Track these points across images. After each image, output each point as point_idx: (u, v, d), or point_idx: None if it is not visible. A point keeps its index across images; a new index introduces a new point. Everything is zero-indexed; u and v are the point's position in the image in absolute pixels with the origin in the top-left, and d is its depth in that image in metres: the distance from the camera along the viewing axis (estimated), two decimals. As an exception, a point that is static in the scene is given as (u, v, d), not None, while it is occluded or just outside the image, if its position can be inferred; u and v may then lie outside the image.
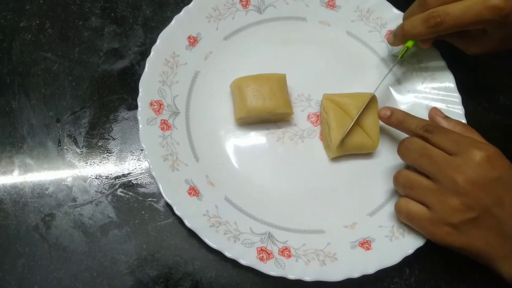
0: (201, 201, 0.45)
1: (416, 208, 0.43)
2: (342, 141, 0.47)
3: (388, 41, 0.52)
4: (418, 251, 0.45)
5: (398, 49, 0.53)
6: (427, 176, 0.42)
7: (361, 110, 0.48)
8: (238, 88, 0.48)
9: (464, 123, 0.46)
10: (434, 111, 0.48)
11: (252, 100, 0.47)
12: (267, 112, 0.48)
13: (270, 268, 0.43)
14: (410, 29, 0.48)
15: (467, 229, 0.41)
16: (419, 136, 0.44)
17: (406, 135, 0.46)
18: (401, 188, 0.45)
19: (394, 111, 0.47)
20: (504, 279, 0.41)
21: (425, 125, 0.44)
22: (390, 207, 0.48)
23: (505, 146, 0.43)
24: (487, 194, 0.40)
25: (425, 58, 0.54)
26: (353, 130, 0.48)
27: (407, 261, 0.45)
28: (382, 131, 0.50)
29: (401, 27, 0.49)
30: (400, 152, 0.45)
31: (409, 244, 0.45)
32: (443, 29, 0.46)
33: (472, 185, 0.40)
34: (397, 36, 0.50)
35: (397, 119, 0.47)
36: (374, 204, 0.48)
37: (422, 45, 0.50)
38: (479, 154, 0.40)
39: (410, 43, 0.50)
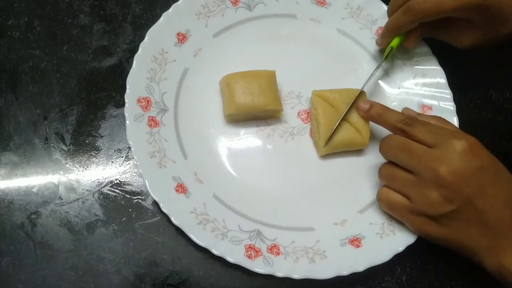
0: (188, 199, 0.45)
1: (396, 197, 0.43)
2: (331, 138, 0.47)
3: (376, 43, 0.53)
4: (409, 250, 0.44)
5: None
6: (410, 171, 0.42)
7: (350, 105, 0.47)
8: (227, 85, 0.47)
9: (439, 117, 0.46)
10: (406, 110, 0.48)
11: (241, 97, 0.47)
12: (256, 109, 0.47)
13: (258, 266, 0.42)
14: (393, 22, 0.48)
15: (446, 222, 0.40)
16: (398, 130, 0.43)
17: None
18: (384, 180, 0.45)
19: (374, 104, 0.47)
20: (486, 271, 0.41)
21: (405, 118, 0.44)
22: (380, 205, 0.47)
23: (497, 143, 0.43)
24: (469, 185, 0.39)
25: (416, 54, 0.53)
26: (342, 126, 0.47)
27: (398, 259, 0.44)
28: (373, 129, 0.49)
29: (385, 25, 0.50)
30: (382, 149, 0.45)
31: (400, 241, 0.45)
32: (423, 16, 0.46)
33: (454, 175, 0.39)
34: (383, 34, 0.51)
35: (376, 112, 0.46)
36: (364, 201, 0.48)
37: (407, 43, 0.51)
38: (459, 144, 0.39)
39: (394, 43, 0.50)
